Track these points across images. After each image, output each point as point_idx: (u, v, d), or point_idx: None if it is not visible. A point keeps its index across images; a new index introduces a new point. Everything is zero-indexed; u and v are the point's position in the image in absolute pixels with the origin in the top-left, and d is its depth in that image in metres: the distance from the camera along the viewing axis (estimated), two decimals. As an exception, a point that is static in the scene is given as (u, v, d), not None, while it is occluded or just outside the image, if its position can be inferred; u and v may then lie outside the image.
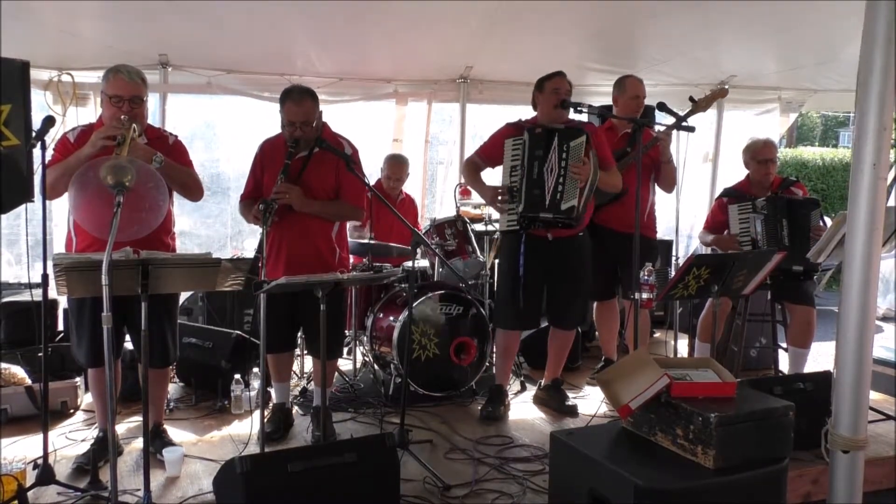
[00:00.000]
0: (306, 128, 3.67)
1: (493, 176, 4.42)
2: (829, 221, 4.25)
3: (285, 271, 3.60)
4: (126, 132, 3.17)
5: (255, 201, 3.79)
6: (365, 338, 4.95)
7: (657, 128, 4.59)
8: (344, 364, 5.22)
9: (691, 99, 4.51)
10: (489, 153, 4.31)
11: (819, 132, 26.98)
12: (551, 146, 3.96)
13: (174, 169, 3.42)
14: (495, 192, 4.15)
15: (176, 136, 3.66)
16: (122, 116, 3.27)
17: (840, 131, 26.05)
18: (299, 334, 4.23)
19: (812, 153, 12.92)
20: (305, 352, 4.90)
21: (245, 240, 6.18)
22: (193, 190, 3.59)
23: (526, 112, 4.41)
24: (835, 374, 2.80)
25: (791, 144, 18.27)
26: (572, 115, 4.15)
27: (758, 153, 4.76)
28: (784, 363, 4.88)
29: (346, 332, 5.27)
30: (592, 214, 4.72)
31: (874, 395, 4.22)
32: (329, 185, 3.81)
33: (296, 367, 4.98)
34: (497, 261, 4.69)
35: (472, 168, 4.35)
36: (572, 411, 4.37)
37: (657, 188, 4.83)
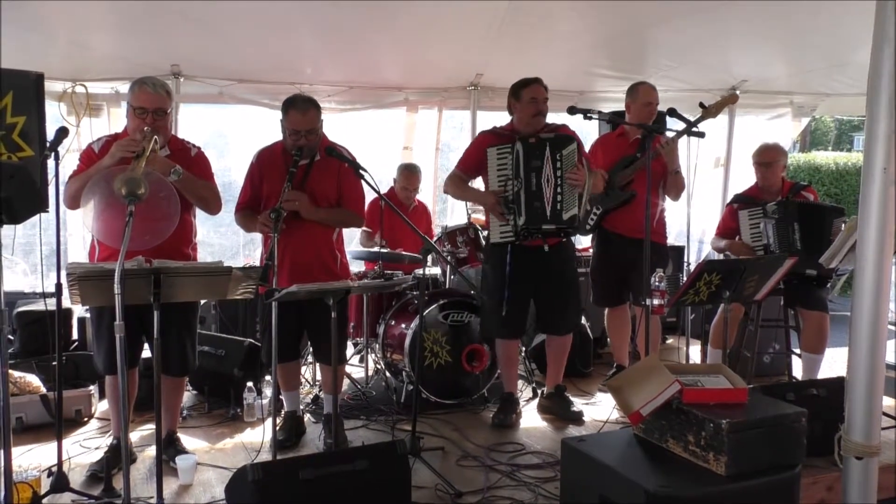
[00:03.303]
0: (311, 136, 3.69)
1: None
2: (845, 227, 4.23)
3: (289, 279, 3.57)
4: (146, 144, 3.19)
5: (252, 210, 3.81)
6: (377, 345, 4.97)
7: (668, 134, 4.59)
8: (356, 371, 5.23)
9: (701, 105, 4.50)
10: (471, 164, 4.27)
11: (833, 136, 26.80)
12: (545, 156, 3.94)
13: (192, 182, 3.44)
14: (497, 196, 4.08)
15: (199, 149, 3.67)
16: (145, 128, 3.30)
17: (854, 135, 25.85)
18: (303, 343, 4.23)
19: (825, 157, 12.84)
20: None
21: (257, 248, 6.20)
22: (211, 203, 3.60)
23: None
24: (847, 380, 2.79)
25: (804, 149, 18.18)
26: (579, 121, 4.14)
27: (757, 156, 4.80)
28: (798, 369, 4.85)
29: (359, 339, 5.30)
30: (602, 219, 4.72)
31: (888, 401, 4.18)
32: (331, 192, 3.82)
33: (308, 374, 5.00)
34: (482, 269, 4.67)
35: (458, 182, 4.31)
36: (578, 417, 4.34)
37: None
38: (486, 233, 5.21)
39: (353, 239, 5.77)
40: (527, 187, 3.96)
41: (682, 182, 4.65)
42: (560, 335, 4.44)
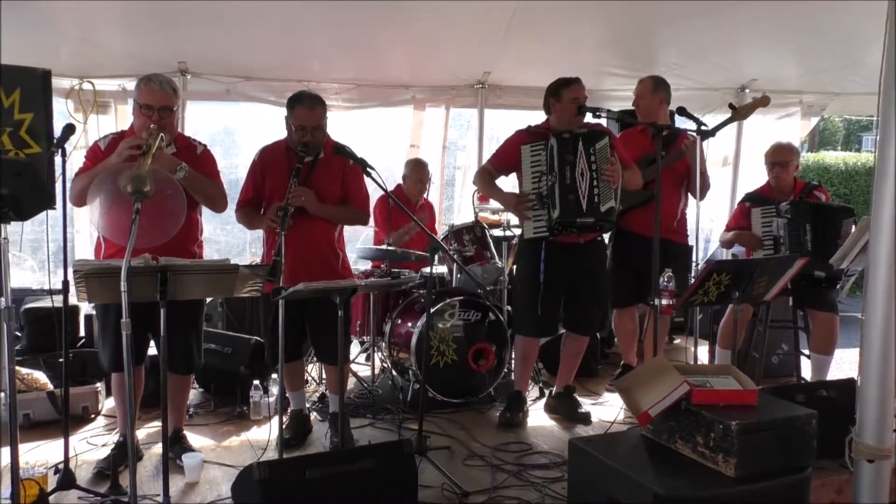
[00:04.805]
0: (317, 133, 3.68)
1: (506, 184, 4.40)
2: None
3: (291, 277, 3.53)
4: (153, 141, 3.19)
5: (254, 208, 3.82)
6: (383, 344, 4.96)
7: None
8: (362, 370, 5.22)
9: (731, 106, 4.44)
10: (504, 161, 4.27)
11: (841, 136, 26.70)
12: (578, 150, 3.94)
13: (198, 180, 3.43)
14: (520, 199, 4.10)
15: (205, 146, 3.67)
16: (151, 126, 3.30)
17: (863, 135, 25.77)
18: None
19: (834, 158, 12.77)
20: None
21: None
22: (217, 200, 3.59)
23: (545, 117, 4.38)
24: (859, 382, 2.76)
25: (813, 149, 18.09)
26: (590, 120, 4.13)
27: (771, 156, 4.77)
28: (806, 370, 4.82)
29: (365, 337, 5.29)
30: (618, 218, 4.69)
31: (899, 403, 4.15)
32: (335, 190, 3.81)
33: (314, 373, 5.00)
34: (514, 267, 4.67)
35: (487, 177, 4.31)
36: (585, 419, 4.33)
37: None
38: (492, 231, 5.21)
39: (357, 238, 5.76)
40: (561, 181, 3.94)
41: (706, 181, 4.62)
42: (584, 335, 4.44)
